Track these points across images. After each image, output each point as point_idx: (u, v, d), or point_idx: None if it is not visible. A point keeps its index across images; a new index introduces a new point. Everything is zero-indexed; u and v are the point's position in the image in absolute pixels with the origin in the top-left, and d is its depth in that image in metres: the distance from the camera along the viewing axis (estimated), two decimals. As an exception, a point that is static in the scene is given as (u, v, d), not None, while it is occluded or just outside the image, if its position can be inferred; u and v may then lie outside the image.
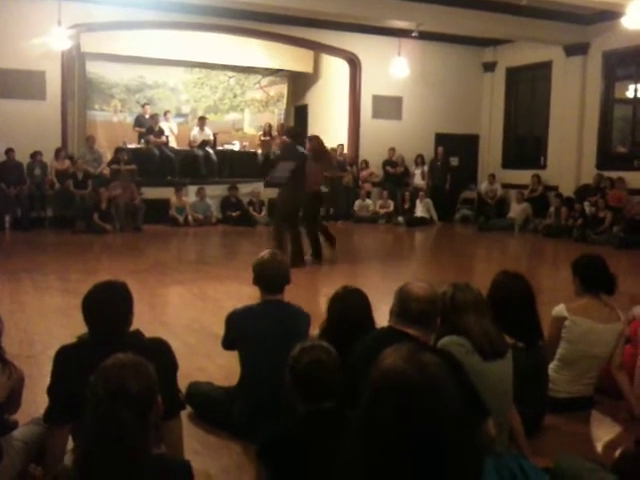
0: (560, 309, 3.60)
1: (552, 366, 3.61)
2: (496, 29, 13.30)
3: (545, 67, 14.76)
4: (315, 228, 8.92)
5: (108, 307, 2.58)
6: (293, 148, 8.65)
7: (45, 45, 11.98)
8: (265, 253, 3.40)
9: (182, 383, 2.90)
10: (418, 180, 15.03)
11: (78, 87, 13.74)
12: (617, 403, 3.66)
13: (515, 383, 2.89)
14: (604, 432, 3.33)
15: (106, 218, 11.84)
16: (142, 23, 13.18)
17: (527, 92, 15.58)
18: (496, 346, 2.78)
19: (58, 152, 12.35)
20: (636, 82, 13.09)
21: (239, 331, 3.21)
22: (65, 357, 2.58)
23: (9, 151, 11.83)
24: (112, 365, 1.89)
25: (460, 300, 2.79)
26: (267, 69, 17.05)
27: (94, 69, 15.16)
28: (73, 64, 13.24)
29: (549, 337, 3.57)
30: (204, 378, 3.75)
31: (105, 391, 1.83)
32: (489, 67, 16.23)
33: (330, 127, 16.26)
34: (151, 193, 12.81)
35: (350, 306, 2.97)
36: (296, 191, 8.37)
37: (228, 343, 3.32)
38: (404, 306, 2.58)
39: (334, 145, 14.93)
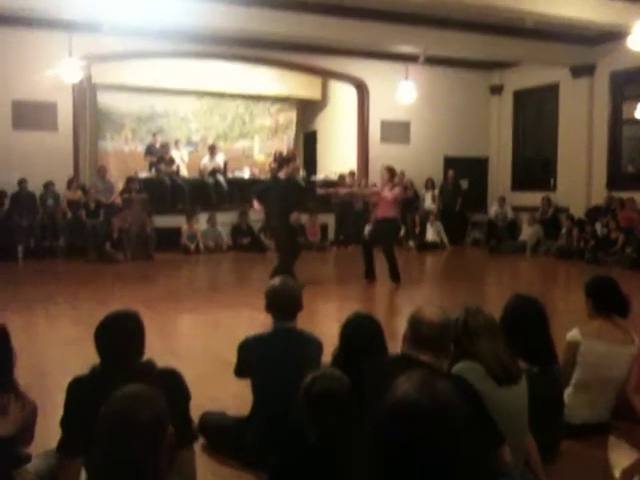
0: (574, 333, 3.56)
1: (568, 391, 3.56)
2: (502, 52, 13.39)
3: (552, 89, 14.81)
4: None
5: (120, 338, 2.58)
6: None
7: (57, 77, 12.16)
8: (277, 280, 3.39)
9: (194, 413, 2.88)
10: (429, 204, 15.04)
11: (89, 117, 13.91)
12: (634, 428, 3.60)
13: (530, 408, 2.86)
14: (622, 458, 3.27)
15: (118, 247, 11.91)
16: (151, 53, 13.38)
17: (535, 114, 15.62)
18: (510, 371, 2.76)
19: (70, 182, 12.49)
20: (644, 102, 13.10)
21: (251, 359, 3.20)
22: (77, 388, 2.58)
23: (22, 182, 11.98)
24: (122, 396, 1.88)
25: (473, 325, 2.78)
26: (276, 96, 17.21)
27: (105, 99, 15.35)
28: (84, 95, 13.41)
29: (564, 362, 3.54)
30: (216, 407, 3.73)
31: (116, 422, 1.82)
32: (496, 90, 16.30)
33: (339, 152, 16.36)
34: (162, 221, 12.88)
35: (362, 332, 2.95)
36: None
37: (240, 371, 3.31)
38: (416, 332, 2.57)
39: (345, 171, 15.00)
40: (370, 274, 9.33)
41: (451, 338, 2.66)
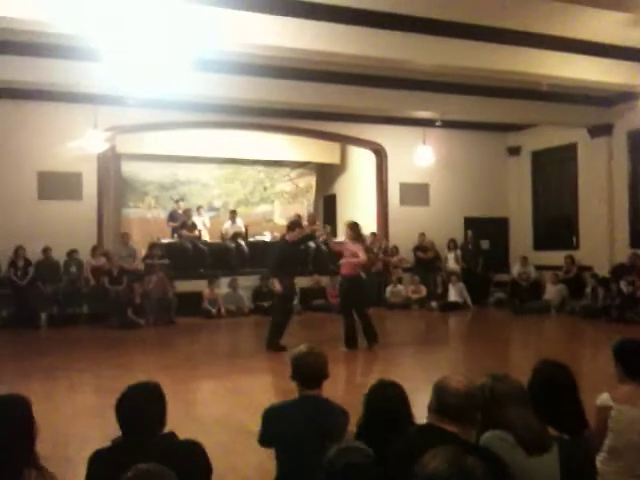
0: (605, 398, 3.46)
1: (600, 458, 3.44)
2: (518, 115, 13.55)
3: (570, 149, 14.89)
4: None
5: (141, 412, 2.56)
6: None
7: (82, 148, 12.51)
8: (303, 347, 3.34)
9: (216, 484, 2.82)
10: (452, 264, 14.98)
11: (114, 186, 14.19)
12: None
13: (562, 477, 2.76)
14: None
15: (139, 312, 11.95)
16: (173, 123, 13.73)
17: (554, 174, 15.65)
18: (540, 439, 2.67)
19: (94, 250, 12.65)
20: (663, 159, 13.10)
21: (275, 428, 3.13)
22: (99, 462, 2.55)
23: (46, 250, 12.18)
24: (134, 476, 1.86)
25: (500, 392, 2.71)
26: (295, 162, 17.52)
27: (128, 168, 15.71)
28: (108, 164, 13.72)
29: (595, 428, 3.43)
30: (238, 479, 3.66)
31: None
32: (514, 151, 16.43)
33: (359, 215, 16.36)
34: (184, 286, 12.94)
35: (386, 401, 2.88)
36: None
37: (264, 441, 3.23)
38: (442, 402, 2.51)
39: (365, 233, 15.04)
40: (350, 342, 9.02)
41: (478, 407, 2.59)
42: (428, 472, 1.35)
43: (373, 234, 15.04)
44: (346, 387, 6.64)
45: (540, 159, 15.91)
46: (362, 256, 9.01)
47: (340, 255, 9.30)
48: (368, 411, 2.89)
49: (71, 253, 12.42)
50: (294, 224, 9.77)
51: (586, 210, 14.35)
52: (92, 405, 6.05)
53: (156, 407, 2.61)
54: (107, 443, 2.75)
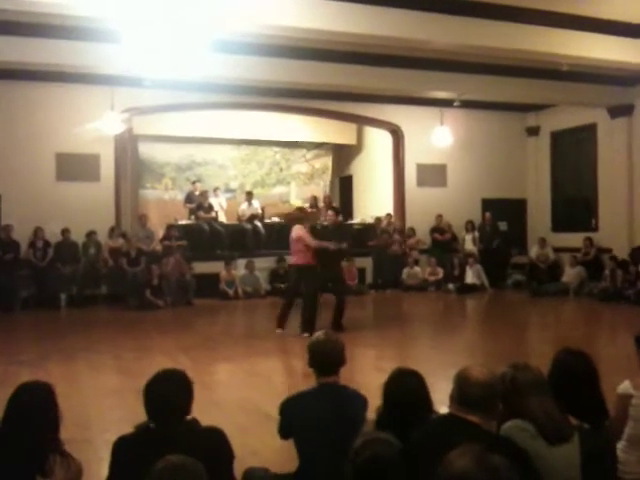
0: (626, 386, 3.44)
1: (620, 446, 3.42)
2: (538, 95, 13.38)
3: (590, 129, 14.70)
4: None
5: (169, 399, 2.59)
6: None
7: (99, 129, 12.55)
8: (320, 334, 3.35)
9: (236, 468, 2.83)
10: (469, 246, 14.91)
11: (131, 167, 14.23)
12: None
13: (582, 466, 2.75)
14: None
15: (158, 294, 12.03)
16: (190, 105, 13.71)
17: (573, 154, 15.48)
18: (561, 429, 2.67)
19: (112, 231, 12.74)
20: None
21: (294, 420, 3.13)
22: (123, 449, 2.58)
23: (65, 231, 12.27)
24: (163, 468, 1.88)
25: (521, 382, 2.70)
26: (311, 143, 17.46)
27: (145, 150, 15.76)
28: (126, 146, 13.76)
29: (615, 416, 3.41)
30: (258, 463, 3.67)
31: None
32: (533, 132, 16.25)
33: (375, 196, 16.41)
34: (201, 267, 13.01)
35: (406, 390, 2.87)
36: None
37: (284, 433, 3.23)
38: (463, 392, 2.51)
39: (381, 214, 15.02)
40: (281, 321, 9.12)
41: (499, 397, 2.59)
42: (454, 471, 1.35)
43: (388, 215, 14.99)
44: (363, 371, 6.66)
45: (559, 139, 15.72)
46: (309, 241, 8.73)
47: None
48: (387, 401, 2.89)
49: (90, 234, 12.51)
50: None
51: (605, 191, 14.20)
52: (112, 387, 6.12)
53: (184, 395, 2.64)
54: (128, 425, 2.79)
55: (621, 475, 3.33)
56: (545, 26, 9.25)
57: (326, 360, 3.20)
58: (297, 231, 8.84)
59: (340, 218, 9.20)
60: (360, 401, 3.20)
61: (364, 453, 2.12)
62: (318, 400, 3.12)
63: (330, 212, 9.67)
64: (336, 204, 16.40)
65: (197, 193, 14.58)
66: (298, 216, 9.51)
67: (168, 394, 2.59)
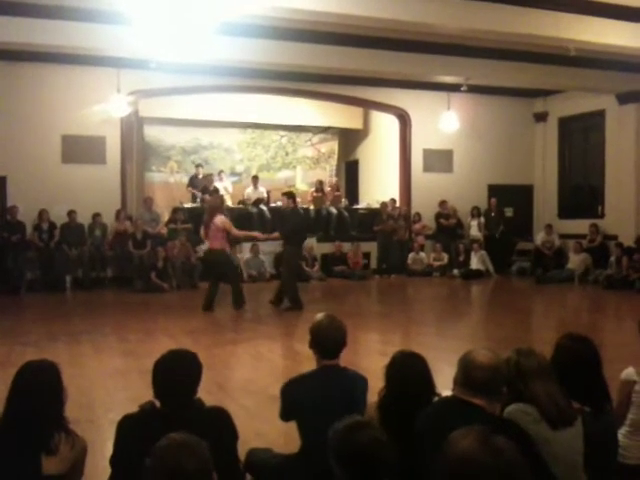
0: (629, 372, 3.45)
1: (622, 432, 3.44)
2: (546, 80, 13.27)
3: (598, 116, 14.61)
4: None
5: (179, 380, 2.61)
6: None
7: (105, 112, 12.54)
8: (322, 316, 3.34)
9: (240, 449, 2.85)
10: (475, 232, 14.89)
11: (136, 150, 14.22)
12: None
13: (584, 450, 2.76)
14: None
15: (163, 277, 12.07)
16: (196, 88, 13.67)
17: (581, 141, 15.40)
18: (565, 413, 2.67)
19: (118, 213, 12.75)
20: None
21: (296, 402, 3.13)
22: (128, 428, 2.59)
23: (71, 213, 12.29)
24: (167, 445, 1.88)
25: (525, 366, 2.71)
26: (318, 127, 17.40)
27: (151, 132, 15.74)
28: (132, 129, 13.74)
29: (618, 401, 3.42)
30: (263, 444, 3.69)
31: (162, 472, 1.82)
32: (540, 117, 16.15)
33: (381, 181, 16.36)
34: (206, 251, 13.01)
35: (409, 372, 2.87)
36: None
37: (286, 415, 3.23)
38: (468, 375, 2.52)
39: (386, 199, 14.98)
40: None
41: (504, 381, 2.59)
42: (458, 451, 1.35)
43: (392, 200, 14.95)
44: (367, 355, 6.68)
45: (567, 125, 15.63)
46: (235, 232, 9.72)
47: None
48: (390, 383, 2.89)
49: (95, 217, 12.53)
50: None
51: (613, 178, 14.13)
52: (117, 368, 6.15)
53: (193, 376, 2.66)
54: (132, 406, 2.79)
55: (623, 460, 3.34)
56: (554, 10, 9.16)
57: (329, 343, 3.20)
58: (223, 222, 9.48)
59: (292, 204, 9.79)
60: (361, 382, 3.21)
61: (346, 442, 2.06)
62: (319, 382, 3.12)
63: (283, 197, 10.07)
64: (342, 189, 16.41)
65: (200, 177, 14.58)
66: (218, 205, 9.92)
67: (179, 373, 2.61)
